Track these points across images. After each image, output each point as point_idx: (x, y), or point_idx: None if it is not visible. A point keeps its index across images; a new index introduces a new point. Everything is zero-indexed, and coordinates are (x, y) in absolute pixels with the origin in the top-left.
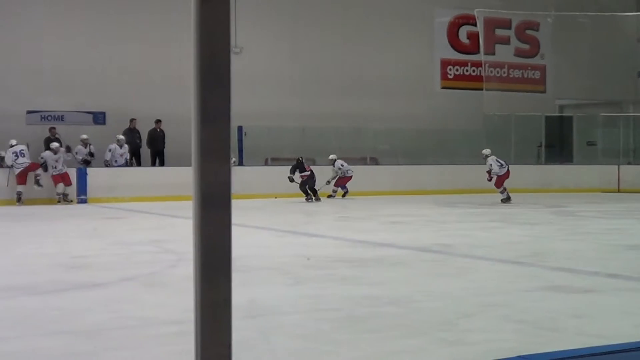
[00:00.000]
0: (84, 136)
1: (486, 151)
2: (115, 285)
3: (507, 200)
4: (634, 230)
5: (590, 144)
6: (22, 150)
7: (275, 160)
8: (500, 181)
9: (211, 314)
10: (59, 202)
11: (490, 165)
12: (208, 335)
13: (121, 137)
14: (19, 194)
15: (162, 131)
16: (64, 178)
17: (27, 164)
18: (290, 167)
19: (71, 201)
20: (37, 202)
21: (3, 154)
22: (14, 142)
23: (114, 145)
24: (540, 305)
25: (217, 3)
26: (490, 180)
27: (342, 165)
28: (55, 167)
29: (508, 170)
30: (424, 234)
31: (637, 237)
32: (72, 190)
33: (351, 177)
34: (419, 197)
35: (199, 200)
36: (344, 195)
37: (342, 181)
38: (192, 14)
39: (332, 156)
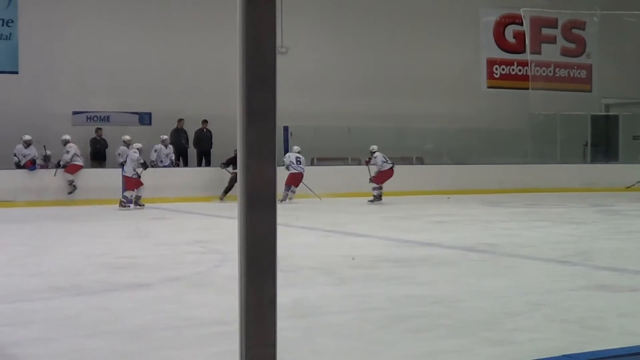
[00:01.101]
0: (127, 137)
1: (373, 147)
2: (160, 286)
3: (377, 199)
4: None
5: (636, 138)
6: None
7: (322, 160)
8: (381, 177)
9: (256, 314)
10: (122, 205)
11: (375, 157)
12: (253, 335)
13: (165, 137)
14: (72, 182)
15: (208, 131)
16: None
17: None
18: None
19: (142, 205)
20: (86, 203)
21: (49, 152)
22: (68, 137)
23: (159, 146)
24: (585, 305)
25: (262, 3)
26: (372, 179)
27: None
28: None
29: (392, 169)
30: (470, 233)
31: None
32: (118, 191)
33: (391, 171)
34: (464, 196)
35: (245, 200)
36: (373, 200)
37: (381, 177)
38: (238, 15)
39: (373, 147)
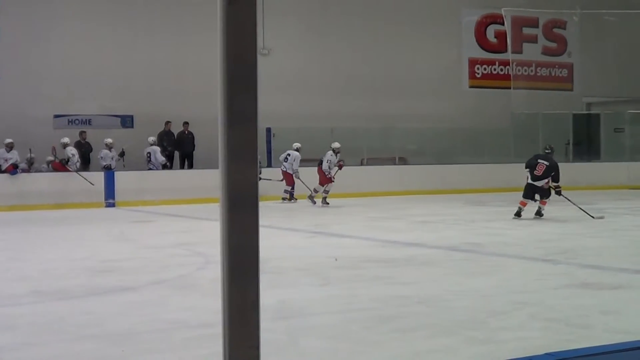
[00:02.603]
0: (109, 140)
1: (295, 145)
2: (144, 289)
3: (310, 199)
4: None
5: (618, 130)
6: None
7: (305, 161)
8: (327, 179)
9: (239, 316)
10: None
11: (329, 161)
12: (236, 337)
13: (153, 138)
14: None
15: (190, 133)
16: None
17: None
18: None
19: None
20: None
21: (33, 155)
22: (67, 139)
23: (153, 148)
24: (569, 303)
25: (243, 5)
26: (328, 177)
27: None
28: None
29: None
30: (454, 233)
31: None
32: (101, 194)
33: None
34: (448, 196)
35: (226, 202)
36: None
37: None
38: (218, 17)
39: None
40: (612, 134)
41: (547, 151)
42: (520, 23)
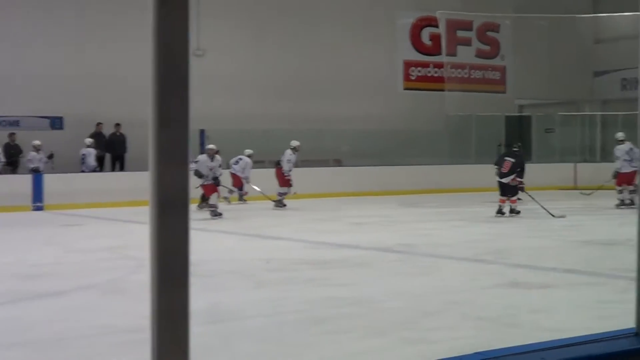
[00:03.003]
0: (37, 142)
1: (247, 151)
2: (73, 294)
3: (279, 203)
4: (589, 226)
5: (548, 131)
6: None
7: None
8: (287, 182)
9: (168, 321)
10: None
11: (289, 161)
12: (165, 342)
13: (90, 140)
14: None
15: (122, 135)
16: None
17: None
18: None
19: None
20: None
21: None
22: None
23: (88, 150)
24: (499, 302)
25: (175, 6)
26: (288, 178)
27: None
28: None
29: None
30: (388, 234)
31: (592, 232)
32: (28, 197)
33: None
34: (383, 197)
35: (156, 205)
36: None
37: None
38: (151, 18)
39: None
40: (543, 136)
41: (514, 149)
42: (454, 26)
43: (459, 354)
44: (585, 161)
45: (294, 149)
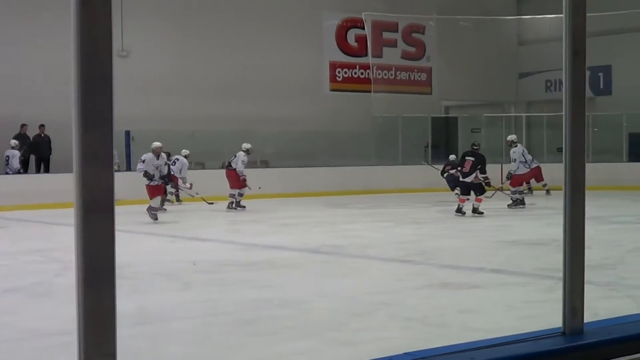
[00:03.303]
0: None
1: (184, 152)
2: None
3: (237, 204)
4: (515, 227)
5: (475, 130)
6: None
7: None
8: (242, 183)
9: (94, 323)
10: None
11: (243, 162)
12: (91, 345)
13: (15, 142)
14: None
15: (46, 136)
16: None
17: None
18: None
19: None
20: None
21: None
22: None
23: (12, 151)
24: (427, 303)
25: (97, 6)
26: (244, 179)
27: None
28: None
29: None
30: (315, 235)
31: (518, 233)
32: None
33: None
34: (310, 199)
35: (81, 207)
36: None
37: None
38: (72, 18)
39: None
40: (469, 137)
41: (474, 147)
42: (380, 27)
43: (388, 354)
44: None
45: (247, 151)
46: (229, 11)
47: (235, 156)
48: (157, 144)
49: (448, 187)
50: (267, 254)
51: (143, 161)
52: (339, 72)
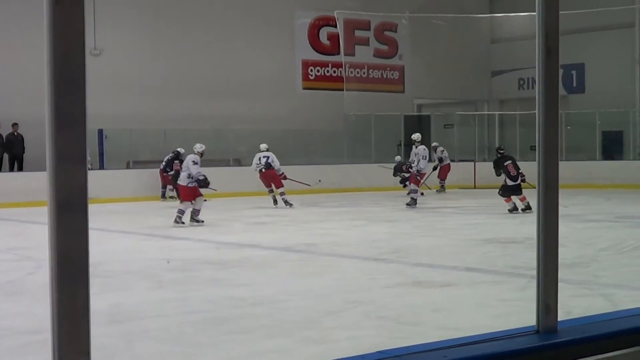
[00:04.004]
0: None
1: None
2: None
3: (194, 218)
4: (489, 225)
5: (447, 126)
6: None
7: (138, 164)
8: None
9: (68, 322)
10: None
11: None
12: (65, 343)
13: None
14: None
15: (20, 135)
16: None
17: None
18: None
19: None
20: None
21: None
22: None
23: None
24: (401, 301)
25: (70, 4)
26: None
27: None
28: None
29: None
30: (288, 234)
31: (492, 231)
32: None
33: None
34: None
35: (54, 206)
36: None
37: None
38: (45, 16)
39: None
40: (442, 136)
41: (501, 151)
42: (352, 25)
43: (361, 353)
44: (484, 160)
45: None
46: (202, 10)
47: (268, 157)
48: (202, 145)
49: (424, 186)
50: (240, 253)
51: (195, 163)
52: (311, 70)
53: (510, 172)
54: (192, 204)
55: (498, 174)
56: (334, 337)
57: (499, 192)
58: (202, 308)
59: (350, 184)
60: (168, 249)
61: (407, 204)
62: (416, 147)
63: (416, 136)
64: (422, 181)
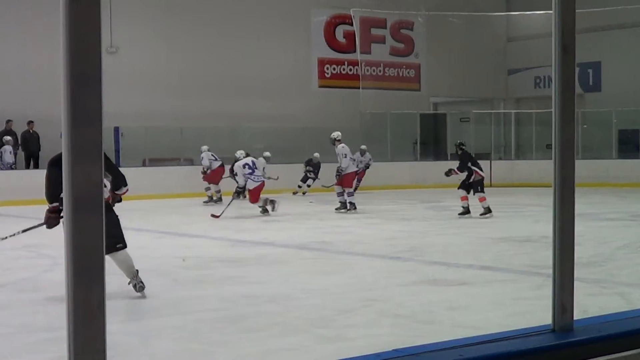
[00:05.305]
0: None
1: (203, 148)
2: None
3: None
4: (504, 224)
5: (463, 120)
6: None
7: (154, 161)
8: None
9: (84, 320)
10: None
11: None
12: (81, 341)
13: (8, 137)
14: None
15: (35, 132)
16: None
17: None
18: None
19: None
20: None
21: None
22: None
23: (5, 147)
24: (416, 299)
25: (86, 2)
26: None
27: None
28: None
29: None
30: (304, 231)
31: (507, 230)
32: None
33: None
34: (298, 195)
35: (71, 203)
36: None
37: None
38: (61, 14)
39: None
40: (458, 133)
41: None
42: (368, 24)
43: (377, 351)
44: (500, 159)
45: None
46: (217, 7)
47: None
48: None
49: (440, 184)
50: (255, 250)
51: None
52: (327, 68)
53: (480, 166)
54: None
55: (464, 170)
56: (349, 336)
57: (460, 187)
58: (217, 306)
59: (367, 182)
60: (182, 247)
61: (336, 209)
62: (336, 146)
63: (336, 134)
64: (354, 182)
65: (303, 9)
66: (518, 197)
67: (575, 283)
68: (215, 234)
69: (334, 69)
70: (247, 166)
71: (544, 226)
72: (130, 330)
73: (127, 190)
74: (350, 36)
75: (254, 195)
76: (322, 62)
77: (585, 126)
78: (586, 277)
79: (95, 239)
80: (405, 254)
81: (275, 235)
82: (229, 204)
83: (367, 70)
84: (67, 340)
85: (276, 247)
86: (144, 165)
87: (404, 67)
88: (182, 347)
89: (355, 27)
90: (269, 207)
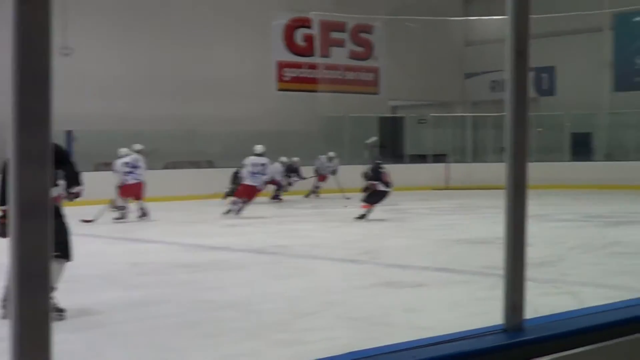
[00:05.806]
0: None
1: (138, 146)
2: None
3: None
4: (460, 226)
5: (421, 122)
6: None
7: (107, 165)
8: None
9: (29, 329)
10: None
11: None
12: (25, 351)
13: None
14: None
15: None
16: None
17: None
18: None
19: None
20: None
21: None
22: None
23: None
24: (373, 302)
25: (37, 2)
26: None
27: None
28: None
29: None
30: (261, 235)
31: (464, 232)
32: None
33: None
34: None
35: (17, 209)
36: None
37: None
38: (11, 16)
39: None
40: (416, 136)
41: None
42: (328, 27)
43: (333, 354)
44: (456, 161)
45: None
46: (175, 9)
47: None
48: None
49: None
50: (212, 255)
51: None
52: (286, 71)
53: (387, 179)
54: None
55: (370, 179)
56: (307, 339)
57: (365, 199)
58: (173, 312)
59: (326, 185)
60: (136, 252)
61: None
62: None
63: (137, 145)
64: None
65: (263, 11)
66: (474, 200)
67: (528, 283)
68: (171, 239)
69: (293, 72)
70: (127, 164)
71: (500, 227)
72: (81, 338)
73: (83, 189)
74: (309, 39)
75: (126, 192)
76: (281, 65)
77: (539, 130)
78: (538, 277)
79: (42, 245)
80: (362, 256)
81: (233, 240)
82: (104, 211)
83: (326, 74)
84: (10, 352)
85: (234, 252)
86: (97, 169)
87: (363, 70)
88: (137, 354)
89: (315, 31)
90: (118, 212)
